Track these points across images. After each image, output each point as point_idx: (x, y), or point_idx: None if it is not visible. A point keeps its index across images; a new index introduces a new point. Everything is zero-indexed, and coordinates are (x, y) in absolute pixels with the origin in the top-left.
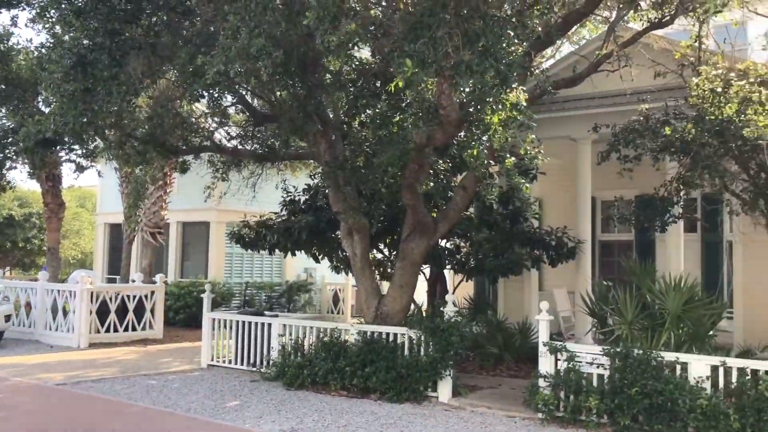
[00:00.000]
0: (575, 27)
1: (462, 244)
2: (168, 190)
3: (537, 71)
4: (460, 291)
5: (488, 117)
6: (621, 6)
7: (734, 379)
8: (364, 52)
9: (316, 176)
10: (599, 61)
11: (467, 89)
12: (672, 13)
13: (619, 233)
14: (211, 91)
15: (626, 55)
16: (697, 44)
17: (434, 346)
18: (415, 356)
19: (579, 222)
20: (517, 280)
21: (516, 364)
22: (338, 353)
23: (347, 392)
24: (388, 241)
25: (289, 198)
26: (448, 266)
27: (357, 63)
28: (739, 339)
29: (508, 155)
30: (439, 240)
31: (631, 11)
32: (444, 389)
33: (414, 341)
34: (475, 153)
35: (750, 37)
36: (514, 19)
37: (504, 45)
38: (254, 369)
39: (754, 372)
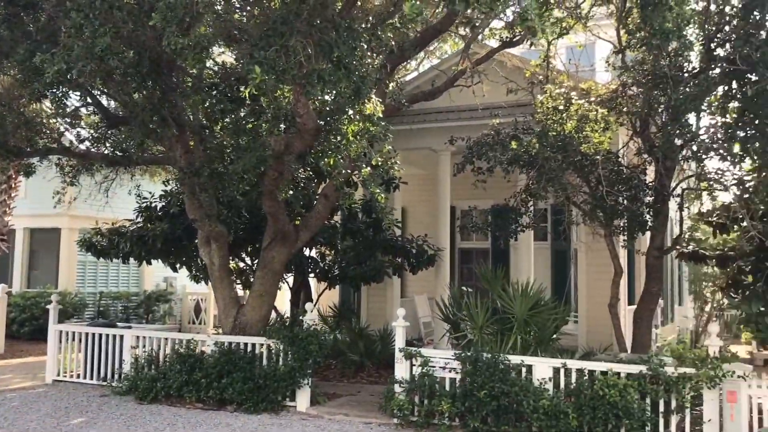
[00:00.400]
0: (436, 43)
1: (327, 252)
2: (13, 195)
3: (393, 84)
4: (325, 299)
5: (345, 127)
6: (475, 25)
7: (574, 379)
8: (228, 57)
9: (171, 182)
10: (455, 77)
11: (322, 98)
12: (522, 33)
13: (477, 241)
14: (54, 91)
15: (480, 72)
16: (545, 63)
17: (293, 355)
18: (273, 366)
19: (439, 230)
20: (380, 287)
21: (377, 370)
22: (194, 365)
23: (203, 404)
24: (249, 249)
25: (144, 204)
26: (312, 274)
27: (219, 67)
28: (583, 341)
29: (365, 165)
30: (303, 248)
31: (486, 30)
32: (302, 398)
33: (273, 351)
34: (332, 162)
35: (598, 58)
36: (368, 32)
37: (358, 57)
38: (105, 383)
39: (591, 372)
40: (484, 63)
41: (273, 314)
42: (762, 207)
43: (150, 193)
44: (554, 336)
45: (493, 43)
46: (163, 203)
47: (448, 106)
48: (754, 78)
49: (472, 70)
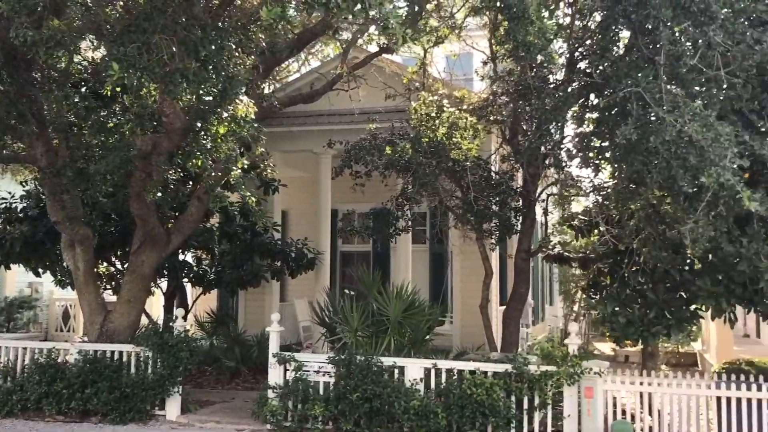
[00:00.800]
0: (318, 45)
1: (204, 255)
2: None
3: (267, 86)
4: (203, 304)
5: (214, 128)
6: (337, 30)
7: (444, 379)
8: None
9: (30, 182)
10: (334, 80)
11: (189, 98)
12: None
13: (359, 244)
14: None
15: (360, 77)
16: (422, 71)
17: (162, 362)
18: (142, 374)
19: (320, 233)
20: (259, 291)
21: (254, 375)
22: (55, 375)
23: (64, 417)
24: (120, 253)
25: (3, 205)
26: (186, 279)
27: (89, 62)
28: (457, 341)
29: (235, 168)
30: (178, 252)
31: (365, 35)
32: (172, 406)
33: (141, 358)
34: (199, 163)
35: (475, 67)
36: (238, 32)
37: (226, 57)
38: None
39: (460, 372)
40: (363, 68)
41: (145, 320)
42: (616, 213)
43: (10, 193)
44: (427, 337)
45: (373, 48)
46: (24, 204)
47: (329, 109)
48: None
49: (349, 74)
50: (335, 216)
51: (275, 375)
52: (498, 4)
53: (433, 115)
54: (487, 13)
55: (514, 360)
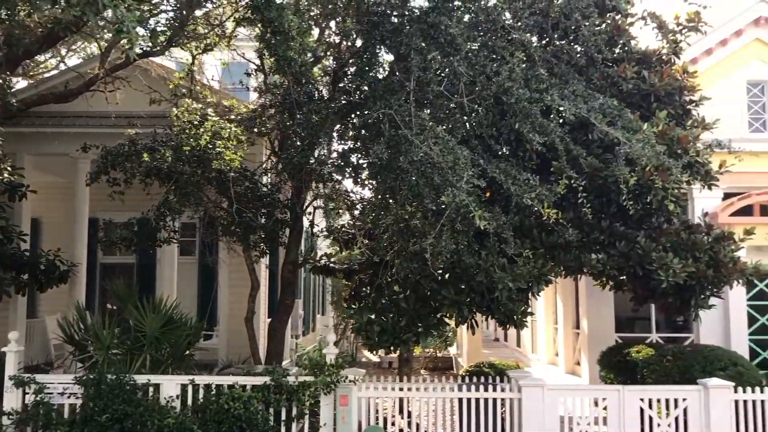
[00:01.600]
0: (81, 42)
1: None
2: None
3: (5, 84)
4: None
5: None
6: (71, 29)
7: (202, 395)
8: None
9: None
10: (92, 80)
11: None
12: (163, 44)
13: (122, 256)
14: None
15: (123, 79)
16: (189, 77)
17: None
18: None
19: (76, 244)
20: (1, 307)
21: None
22: None
23: None
24: None
25: None
26: None
27: None
28: (224, 355)
29: None
30: None
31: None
32: None
33: None
34: None
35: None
36: None
37: None
38: None
39: (219, 387)
40: (127, 69)
41: None
42: (373, 226)
43: None
44: (188, 352)
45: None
46: None
47: (87, 110)
48: (366, 112)
49: (107, 75)
50: (95, 225)
51: (12, 400)
52: (260, 17)
53: (196, 123)
54: (259, 25)
55: (273, 372)
